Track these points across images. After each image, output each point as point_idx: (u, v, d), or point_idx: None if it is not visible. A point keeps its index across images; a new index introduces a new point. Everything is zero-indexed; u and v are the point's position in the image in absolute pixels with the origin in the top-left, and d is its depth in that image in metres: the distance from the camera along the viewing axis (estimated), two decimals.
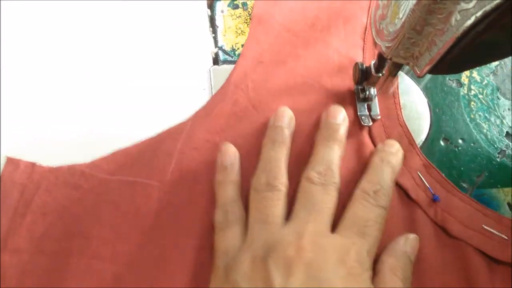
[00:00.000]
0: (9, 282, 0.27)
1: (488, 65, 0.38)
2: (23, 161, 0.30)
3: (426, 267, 0.29)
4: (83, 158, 0.30)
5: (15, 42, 0.33)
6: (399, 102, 0.34)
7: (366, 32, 0.36)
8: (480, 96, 0.37)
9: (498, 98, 0.37)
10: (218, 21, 0.37)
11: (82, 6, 0.35)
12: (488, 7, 0.19)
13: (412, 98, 0.35)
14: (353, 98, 0.33)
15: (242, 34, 0.36)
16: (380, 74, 0.30)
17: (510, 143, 0.35)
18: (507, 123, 0.36)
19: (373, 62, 0.30)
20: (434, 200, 0.31)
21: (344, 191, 0.30)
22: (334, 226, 0.28)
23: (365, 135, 0.33)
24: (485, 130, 0.35)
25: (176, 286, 0.27)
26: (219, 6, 0.37)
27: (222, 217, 0.28)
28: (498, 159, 0.35)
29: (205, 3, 0.37)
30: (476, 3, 0.20)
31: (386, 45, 0.26)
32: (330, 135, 0.31)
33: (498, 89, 0.37)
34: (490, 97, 0.37)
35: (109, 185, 0.30)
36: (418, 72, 0.25)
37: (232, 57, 0.36)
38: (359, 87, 0.33)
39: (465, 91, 0.37)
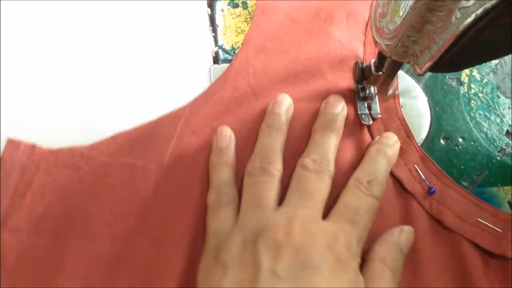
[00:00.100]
0: (8, 260, 0.27)
1: (488, 63, 0.38)
2: (23, 143, 0.30)
3: (420, 259, 0.30)
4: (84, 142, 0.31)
5: (18, 27, 0.33)
6: (398, 96, 0.34)
7: (368, 27, 0.36)
8: (480, 95, 0.37)
9: (498, 97, 0.37)
10: (218, 20, 0.37)
11: (83, 6, 0.35)
12: (488, 5, 0.19)
13: (412, 97, 0.35)
14: (353, 97, 0.33)
15: (242, 33, 0.36)
16: (380, 73, 0.30)
17: (510, 142, 0.35)
18: (507, 121, 0.36)
19: (373, 61, 0.30)
20: (429, 192, 0.31)
21: (341, 184, 0.30)
22: (326, 214, 0.28)
23: (365, 129, 0.33)
24: (485, 129, 0.35)
25: (172, 267, 0.28)
26: (219, 5, 0.37)
27: (215, 198, 0.29)
28: (498, 158, 0.35)
29: (205, 2, 0.37)
30: (476, 1, 0.20)
31: (386, 43, 0.26)
32: (327, 124, 0.31)
33: (498, 87, 0.37)
34: (490, 95, 0.37)
35: (108, 167, 0.30)
36: (418, 70, 0.25)
37: (232, 56, 0.36)
38: (359, 86, 0.33)
39: (465, 90, 0.37)
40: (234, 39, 0.36)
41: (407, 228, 0.29)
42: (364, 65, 0.31)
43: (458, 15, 0.21)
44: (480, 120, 0.36)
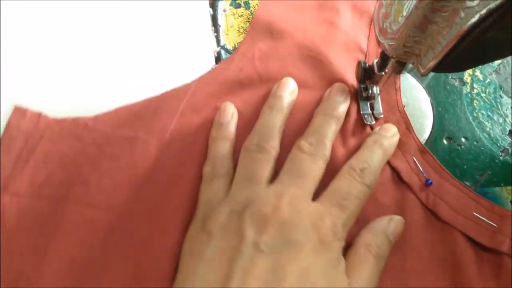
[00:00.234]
0: (7, 222, 0.28)
1: (490, 63, 0.38)
2: (30, 111, 0.31)
3: (412, 249, 0.30)
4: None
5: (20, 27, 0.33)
6: (399, 87, 0.34)
7: (372, 22, 0.36)
8: (483, 95, 0.37)
9: (501, 97, 0.37)
10: (220, 20, 0.37)
11: (83, 6, 0.35)
12: (492, 5, 0.19)
13: (415, 97, 0.35)
14: (356, 97, 0.33)
15: (244, 33, 0.36)
16: (383, 73, 0.30)
17: None
18: (509, 121, 0.36)
19: (375, 60, 0.30)
20: (427, 184, 0.31)
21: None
22: (317, 198, 0.28)
23: (367, 127, 0.33)
24: (488, 129, 0.35)
25: (167, 237, 0.28)
26: (221, 5, 0.37)
27: (210, 170, 0.29)
28: (501, 158, 0.35)
29: (207, 2, 0.37)
30: (480, 1, 0.20)
31: (390, 43, 0.26)
32: (329, 110, 0.31)
33: (500, 87, 0.37)
34: (492, 95, 0.37)
35: (110, 138, 0.30)
36: (422, 71, 0.25)
37: None
38: (362, 86, 0.33)
39: (468, 90, 0.37)
40: (236, 39, 0.36)
41: (396, 218, 0.29)
42: (367, 65, 0.31)
43: (462, 15, 0.21)
44: (483, 120, 0.36)
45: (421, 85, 0.36)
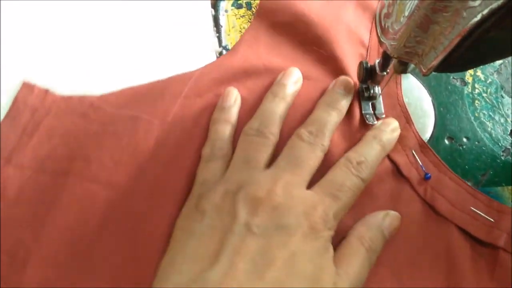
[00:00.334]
0: (8, 193, 0.28)
1: (492, 63, 0.38)
2: (37, 87, 0.31)
3: (405, 240, 0.30)
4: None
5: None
6: (400, 82, 0.34)
7: (374, 21, 0.36)
8: (484, 95, 0.37)
9: (502, 97, 0.37)
10: (222, 21, 0.37)
11: (83, 7, 0.35)
12: (494, 5, 0.19)
13: (417, 97, 0.35)
14: (358, 97, 0.33)
15: None
16: (385, 73, 0.30)
17: None
18: (511, 121, 0.36)
19: (377, 60, 0.30)
20: (425, 178, 0.32)
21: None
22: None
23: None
24: (489, 129, 0.35)
25: (165, 215, 0.28)
26: (223, 5, 0.37)
27: (209, 151, 0.30)
28: (502, 158, 0.35)
29: (209, 3, 0.37)
30: (482, 1, 0.20)
31: (391, 43, 0.26)
32: (332, 102, 0.31)
33: (502, 87, 0.37)
34: (494, 95, 0.37)
35: (114, 117, 0.31)
36: (424, 71, 0.25)
37: None
38: (364, 86, 0.33)
39: (469, 90, 0.37)
40: (238, 39, 0.36)
41: (392, 213, 0.30)
42: (369, 65, 0.31)
43: (464, 15, 0.21)
44: (484, 120, 0.36)
45: (423, 85, 0.36)
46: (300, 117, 0.32)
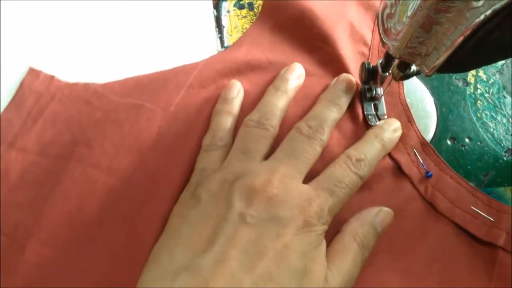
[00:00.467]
0: (10, 176, 0.29)
1: (494, 64, 0.38)
2: (43, 73, 0.32)
3: (401, 238, 0.30)
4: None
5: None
6: (403, 81, 0.34)
7: (376, 21, 0.36)
8: (487, 95, 0.37)
9: (505, 97, 0.37)
10: (224, 21, 0.37)
11: (84, 7, 0.35)
12: (498, 6, 0.19)
13: (419, 97, 0.35)
14: (360, 98, 0.33)
15: None
16: (387, 74, 0.30)
17: None
18: None
19: (379, 61, 0.30)
20: (427, 176, 0.32)
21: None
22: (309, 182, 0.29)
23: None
24: (491, 129, 0.35)
25: (164, 202, 0.28)
26: (225, 6, 0.37)
27: (210, 141, 0.30)
28: (505, 158, 0.35)
29: (211, 3, 0.37)
30: (485, 1, 0.20)
31: (394, 44, 0.26)
32: (333, 98, 0.32)
33: (504, 87, 0.37)
34: (496, 96, 0.37)
35: (117, 105, 0.31)
36: (426, 71, 0.25)
37: None
38: (366, 87, 0.33)
39: (472, 90, 0.37)
40: None
41: (385, 209, 0.30)
42: (371, 66, 0.31)
43: (467, 15, 0.21)
44: (486, 121, 0.36)
45: (425, 85, 0.36)
46: (301, 112, 0.32)
